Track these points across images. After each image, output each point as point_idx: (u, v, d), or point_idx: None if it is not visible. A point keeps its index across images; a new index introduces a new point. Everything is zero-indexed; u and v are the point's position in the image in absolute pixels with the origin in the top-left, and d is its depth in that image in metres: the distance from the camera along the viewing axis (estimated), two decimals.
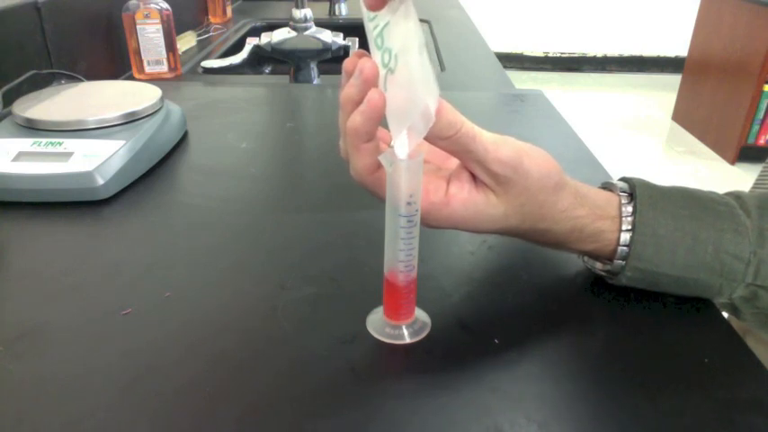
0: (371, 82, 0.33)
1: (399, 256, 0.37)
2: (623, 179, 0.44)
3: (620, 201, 0.42)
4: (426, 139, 0.34)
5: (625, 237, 0.41)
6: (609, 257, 0.42)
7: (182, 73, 1.02)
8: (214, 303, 0.43)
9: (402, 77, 0.32)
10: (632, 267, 0.41)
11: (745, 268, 0.40)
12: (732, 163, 2.86)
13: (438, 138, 0.35)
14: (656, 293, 0.43)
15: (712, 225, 0.40)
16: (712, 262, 0.40)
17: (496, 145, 0.36)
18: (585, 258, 0.46)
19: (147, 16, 0.93)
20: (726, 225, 0.40)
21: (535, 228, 0.40)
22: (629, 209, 0.41)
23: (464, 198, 0.38)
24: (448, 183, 0.38)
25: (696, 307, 0.43)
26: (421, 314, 0.41)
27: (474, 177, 0.38)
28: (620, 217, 0.41)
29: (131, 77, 0.99)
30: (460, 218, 0.38)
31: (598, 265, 0.44)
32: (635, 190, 0.41)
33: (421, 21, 0.31)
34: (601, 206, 0.41)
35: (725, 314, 0.43)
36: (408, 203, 0.35)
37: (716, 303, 0.43)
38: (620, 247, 0.41)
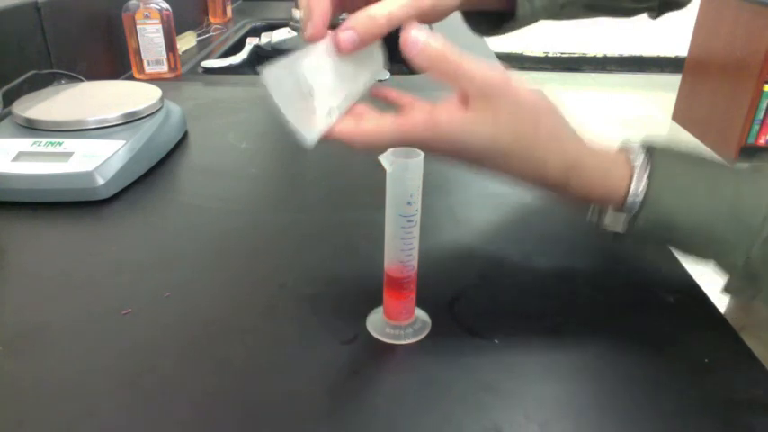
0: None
1: (399, 256, 0.37)
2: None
3: (631, 148, 0.39)
4: (419, 63, 0.36)
5: (639, 175, 0.38)
6: (619, 202, 0.39)
7: (182, 73, 1.02)
8: (214, 303, 0.43)
9: None
10: (649, 210, 0.38)
11: (762, 222, 0.37)
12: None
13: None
14: (655, 292, 0.43)
15: (730, 177, 0.38)
16: (730, 212, 0.38)
17: (485, 68, 0.36)
18: (592, 211, 0.43)
19: (147, 16, 0.93)
20: (744, 178, 0.38)
21: (531, 156, 0.37)
22: (643, 156, 0.38)
23: (450, 112, 0.36)
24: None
25: (696, 307, 0.43)
26: (421, 314, 0.41)
27: (462, 102, 0.37)
28: (633, 161, 0.38)
29: (131, 77, 0.99)
30: (447, 128, 0.36)
31: (606, 219, 0.41)
32: (648, 142, 0.39)
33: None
34: (609, 149, 0.39)
35: (729, 313, 0.43)
36: (408, 203, 0.35)
37: (731, 282, 0.40)
38: (632, 186, 0.38)
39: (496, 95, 0.36)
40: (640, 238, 0.40)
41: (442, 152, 0.38)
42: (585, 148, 0.38)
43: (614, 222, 0.40)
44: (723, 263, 0.40)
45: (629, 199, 0.38)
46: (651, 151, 0.39)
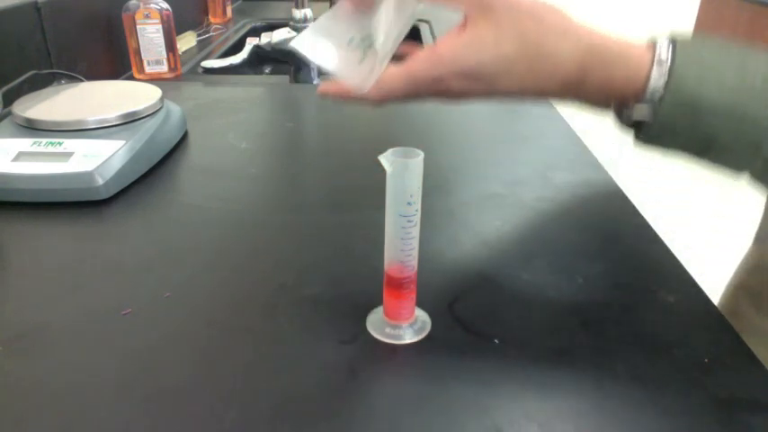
0: None
1: (399, 256, 0.37)
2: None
3: (652, 37, 0.36)
4: None
5: (662, 57, 0.35)
6: (640, 90, 0.36)
7: (182, 73, 1.02)
8: (214, 303, 0.43)
9: None
10: (674, 92, 0.35)
11: None
12: None
13: None
14: (655, 292, 0.43)
15: (759, 54, 0.36)
16: (762, 90, 0.34)
17: None
18: (614, 107, 0.40)
19: (147, 16, 0.93)
20: None
21: (541, 54, 0.35)
22: (666, 41, 0.36)
23: (451, 39, 0.36)
24: None
25: (696, 307, 0.43)
26: (421, 314, 0.41)
27: (461, 27, 0.37)
28: (656, 46, 0.35)
29: (131, 77, 0.99)
30: (450, 56, 0.36)
31: (634, 113, 0.37)
32: (672, 34, 0.37)
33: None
34: (626, 36, 0.36)
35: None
36: (408, 203, 0.35)
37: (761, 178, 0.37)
38: (654, 68, 0.35)
39: (493, 4, 0.35)
40: (666, 128, 0.36)
41: (454, 88, 0.37)
42: (599, 32, 0.36)
43: (639, 113, 0.37)
44: (759, 164, 0.36)
45: (653, 81, 0.35)
46: (674, 37, 0.36)
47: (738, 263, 0.68)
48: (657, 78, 0.35)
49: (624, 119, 0.39)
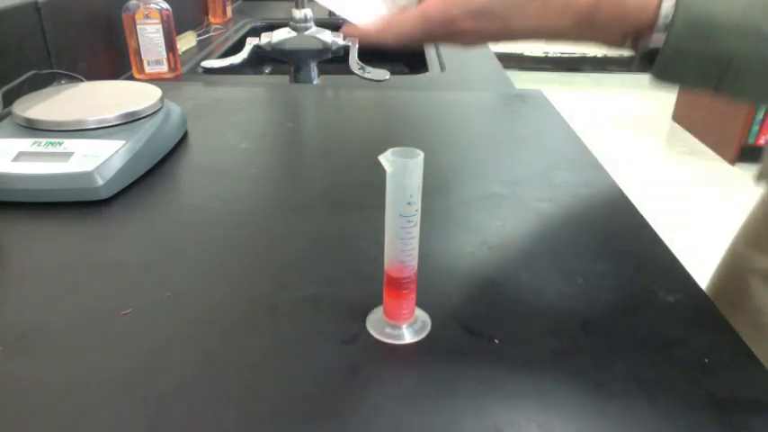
0: None
1: (399, 256, 0.37)
2: None
3: None
4: None
5: None
6: (651, 20, 0.36)
7: (182, 73, 1.02)
8: (214, 303, 0.43)
9: None
10: (683, 13, 0.35)
11: None
12: (732, 163, 2.86)
13: None
14: (655, 292, 0.43)
15: None
16: None
17: None
18: (630, 42, 0.40)
19: (147, 16, 0.93)
20: None
21: None
22: None
23: None
24: None
25: (696, 307, 0.43)
26: (421, 314, 0.41)
27: None
28: None
29: (131, 77, 0.99)
30: (466, 2, 0.37)
31: (650, 43, 0.37)
32: None
33: None
34: None
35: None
36: (408, 203, 0.35)
37: None
38: None
39: None
40: (680, 52, 0.36)
41: (468, 29, 0.37)
42: None
43: (655, 42, 0.37)
44: None
45: (664, 8, 0.35)
46: None
47: (715, 268, 0.68)
48: (668, 3, 0.35)
49: (640, 51, 0.39)
